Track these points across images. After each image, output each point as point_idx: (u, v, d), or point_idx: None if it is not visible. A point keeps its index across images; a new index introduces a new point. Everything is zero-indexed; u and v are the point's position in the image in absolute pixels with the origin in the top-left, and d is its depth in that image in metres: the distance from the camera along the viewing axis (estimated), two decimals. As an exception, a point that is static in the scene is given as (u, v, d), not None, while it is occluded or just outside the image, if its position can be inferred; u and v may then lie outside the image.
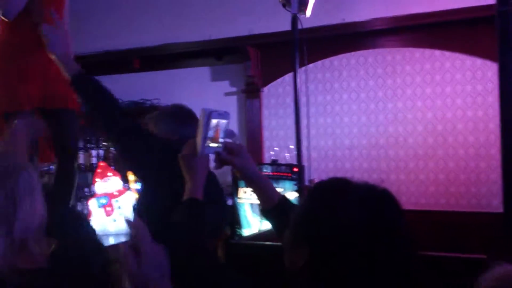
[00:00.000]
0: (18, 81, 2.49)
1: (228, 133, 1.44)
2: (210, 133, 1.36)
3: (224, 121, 1.39)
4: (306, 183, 3.57)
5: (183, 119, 1.95)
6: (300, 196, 3.22)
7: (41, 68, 2.51)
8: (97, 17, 4.78)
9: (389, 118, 4.00)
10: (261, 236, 3.40)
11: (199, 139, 1.38)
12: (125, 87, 4.65)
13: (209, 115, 1.35)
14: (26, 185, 1.36)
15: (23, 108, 2.43)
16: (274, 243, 2.85)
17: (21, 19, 2.48)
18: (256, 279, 1.44)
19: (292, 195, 3.46)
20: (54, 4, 2.55)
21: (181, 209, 1.43)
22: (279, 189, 3.30)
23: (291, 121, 4.20)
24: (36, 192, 1.40)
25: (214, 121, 1.36)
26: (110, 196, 3.29)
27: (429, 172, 3.89)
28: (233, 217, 3.75)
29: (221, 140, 1.40)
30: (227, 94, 4.59)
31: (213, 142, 1.39)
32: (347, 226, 0.93)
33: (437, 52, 3.85)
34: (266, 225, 3.55)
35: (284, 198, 1.44)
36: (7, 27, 2.52)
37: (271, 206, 1.41)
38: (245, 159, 1.44)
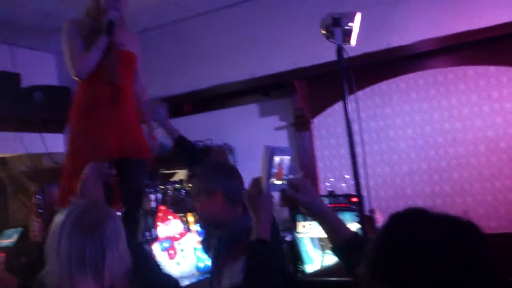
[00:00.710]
0: (98, 134, 2.63)
1: (292, 170, 1.43)
2: (274, 171, 1.36)
3: (287, 157, 1.38)
4: (367, 213, 3.48)
5: (230, 173, 2.02)
6: (362, 227, 3.13)
7: (119, 121, 2.66)
8: (147, 66, 4.96)
9: (448, 140, 3.87)
10: (325, 271, 3.32)
11: (263, 177, 1.38)
12: (181, 130, 4.77)
13: (272, 152, 1.35)
14: (113, 233, 1.41)
15: (103, 158, 2.54)
16: (340, 279, 2.77)
17: (97, 76, 2.65)
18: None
19: (353, 226, 3.38)
20: (127, 63, 2.72)
21: (249, 251, 1.42)
22: (339, 222, 3.23)
23: (344, 150, 4.16)
24: (122, 239, 1.45)
25: (277, 158, 1.35)
26: (172, 239, 3.33)
27: (497, 192, 3.70)
28: (293, 253, 3.70)
29: (285, 177, 1.39)
30: (277, 128, 4.59)
31: (277, 179, 1.38)
32: (429, 260, 0.87)
33: (491, 68, 3.72)
34: (329, 260, 3.47)
35: (356, 234, 1.39)
36: (84, 83, 2.68)
37: (342, 241, 1.36)
38: (311, 194, 1.42)
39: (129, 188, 2.74)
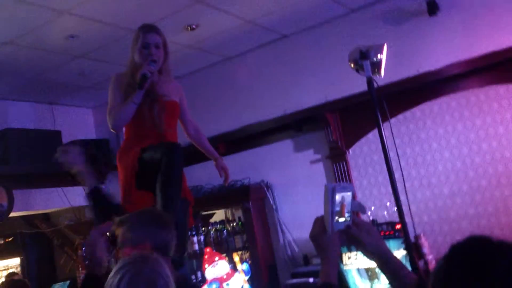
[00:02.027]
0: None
1: (355, 206, 1.41)
2: (337, 209, 1.34)
3: (348, 193, 1.36)
4: (412, 239, 3.45)
5: (160, 224, 1.96)
6: (408, 254, 3.10)
7: None
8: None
9: (487, 159, 3.84)
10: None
11: (326, 216, 1.35)
12: (216, 172, 4.86)
13: (333, 190, 1.33)
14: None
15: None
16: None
17: (142, 126, 2.73)
18: None
19: (399, 254, 3.35)
20: (171, 112, 2.80)
21: None
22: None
23: (382, 178, 4.16)
24: None
25: (338, 196, 1.34)
26: (220, 280, 3.36)
27: (543, 207, 3.63)
28: (341, 286, 3.67)
29: (347, 214, 1.37)
30: (312, 162, 4.63)
31: (340, 216, 1.36)
32: None
33: (523, 85, 3.72)
34: (378, 289, 3.43)
35: (421, 279, 1.33)
36: (130, 133, 2.77)
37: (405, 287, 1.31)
38: (375, 237, 1.38)
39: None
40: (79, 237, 5.57)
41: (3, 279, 5.59)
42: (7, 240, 5.78)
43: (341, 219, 1.36)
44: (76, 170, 2.56)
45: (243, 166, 4.83)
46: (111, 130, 2.76)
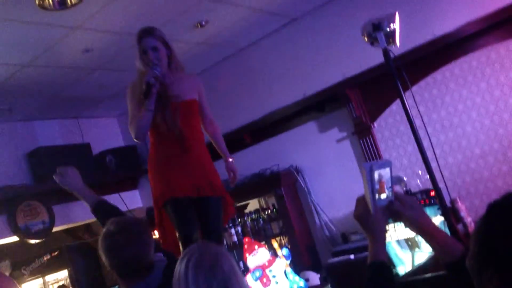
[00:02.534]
0: (171, 176, 2.76)
1: (395, 180, 1.43)
2: (376, 186, 1.34)
3: (386, 169, 1.36)
4: (448, 204, 3.43)
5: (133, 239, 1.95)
6: (446, 219, 3.09)
7: (190, 164, 2.77)
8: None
9: (515, 114, 3.78)
10: (419, 269, 3.28)
11: (367, 196, 1.35)
12: (245, 162, 4.91)
13: (371, 168, 1.33)
14: (230, 268, 1.56)
15: (177, 195, 2.72)
16: (436, 274, 2.74)
17: (161, 131, 2.77)
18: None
19: (436, 221, 3.34)
20: (186, 112, 2.81)
21: (368, 275, 1.36)
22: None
23: (411, 147, 4.14)
24: (238, 269, 1.59)
25: (376, 173, 1.34)
26: (262, 267, 3.41)
27: None
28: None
29: (388, 189, 1.37)
30: (339, 140, 4.63)
31: (381, 193, 1.36)
32: None
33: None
34: (420, 257, 3.43)
35: (467, 250, 1.34)
36: (153, 140, 2.83)
37: (453, 259, 1.29)
38: (418, 211, 1.37)
39: (208, 226, 2.81)
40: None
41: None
42: (53, 255, 5.95)
43: (383, 196, 1.36)
44: (72, 190, 2.63)
45: (271, 154, 4.87)
46: (135, 140, 2.80)
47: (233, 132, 4.97)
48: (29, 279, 5.87)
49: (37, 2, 3.02)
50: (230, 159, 3.01)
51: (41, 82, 4.32)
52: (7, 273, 1.67)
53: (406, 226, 1.40)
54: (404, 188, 4.04)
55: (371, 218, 1.37)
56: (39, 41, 3.61)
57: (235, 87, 5.02)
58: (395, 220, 1.41)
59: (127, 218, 2.16)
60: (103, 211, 2.53)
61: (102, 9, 3.38)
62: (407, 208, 1.36)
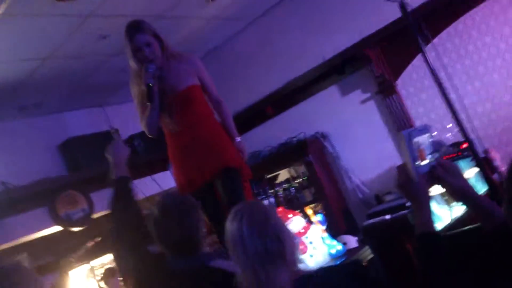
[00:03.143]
0: (182, 174, 2.81)
1: (435, 145, 1.39)
2: (416, 154, 1.32)
3: (426, 135, 1.35)
4: (481, 155, 3.37)
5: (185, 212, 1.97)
6: (480, 170, 3.04)
7: (195, 151, 2.79)
8: (223, 83, 5.18)
9: (542, 56, 3.66)
10: (457, 223, 3.26)
11: (408, 164, 1.33)
12: (270, 133, 4.92)
13: (409, 136, 1.31)
14: (278, 220, 1.63)
15: (191, 190, 2.74)
16: (475, 225, 2.72)
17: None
18: (471, 266, 1.37)
19: (471, 173, 3.29)
20: (184, 102, 2.76)
21: (417, 246, 1.34)
22: (456, 171, 3.16)
23: (438, 101, 4.06)
24: (283, 221, 1.66)
25: (415, 140, 1.32)
26: (298, 235, 3.43)
27: None
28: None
29: (429, 155, 1.35)
30: (363, 101, 4.58)
31: (422, 160, 1.33)
32: None
33: None
34: (457, 211, 3.40)
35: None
36: (165, 132, 2.84)
37: (494, 226, 1.27)
38: (459, 177, 1.35)
39: (229, 203, 2.83)
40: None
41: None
42: (96, 240, 6.14)
43: (424, 162, 1.33)
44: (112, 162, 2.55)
45: (295, 122, 4.86)
46: (148, 135, 2.83)
47: (255, 104, 4.97)
48: (77, 265, 6.10)
49: (50, -6, 3.05)
50: (238, 139, 2.97)
51: (63, 73, 4.38)
52: (26, 264, 1.72)
53: (448, 192, 1.39)
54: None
55: (414, 186, 1.34)
56: (56, 33, 3.65)
57: (252, 59, 4.99)
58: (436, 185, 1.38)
59: (172, 199, 2.12)
60: (125, 187, 2.48)
61: (114, -6, 3.39)
62: (449, 174, 1.34)
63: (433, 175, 1.34)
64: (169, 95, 2.70)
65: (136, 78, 2.73)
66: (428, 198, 1.37)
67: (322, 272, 1.73)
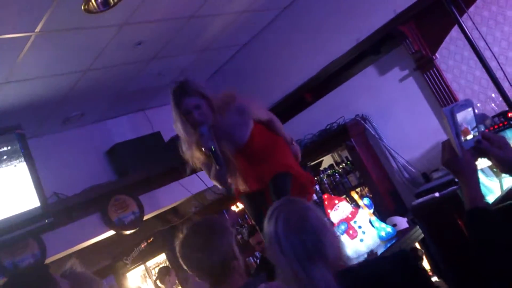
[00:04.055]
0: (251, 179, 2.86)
1: (479, 118, 1.38)
2: (460, 128, 1.31)
3: (468, 109, 1.32)
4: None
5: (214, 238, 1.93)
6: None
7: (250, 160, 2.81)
8: (259, 75, 5.21)
9: None
10: (508, 195, 3.17)
11: (452, 140, 1.32)
12: (310, 120, 4.90)
13: (452, 111, 1.30)
14: (318, 219, 1.59)
15: (253, 189, 2.84)
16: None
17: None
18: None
19: (520, 142, 3.18)
20: (246, 159, 2.80)
21: (467, 222, 1.32)
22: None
23: (479, 71, 3.94)
24: (326, 221, 1.63)
25: (458, 115, 1.30)
26: (346, 220, 3.43)
27: None
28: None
29: (473, 130, 1.33)
30: (401, 80, 4.48)
31: (467, 135, 1.32)
32: None
33: None
34: (508, 183, 3.30)
35: None
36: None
37: None
38: (507, 149, 1.32)
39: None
40: (208, 220, 5.92)
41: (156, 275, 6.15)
42: (149, 241, 6.32)
43: (469, 137, 1.32)
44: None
45: (334, 107, 4.81)
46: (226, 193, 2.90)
47: (293, 93, 4.96)
48: (132, 267, 6.31)
49: (82, 7, 3.14)
50: (293, 145, 3.06)
51: (103, 83, 4.51)
52: (78, 270, 1.77)
53: (495, 165, 1.36)
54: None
55: (460, 162, 1.32)
56: (92, 44, 3.76)
57: (286, 48, 4.98)
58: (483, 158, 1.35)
59: (205, 219, 2.17)
60: None
61: (143, 1, 3.45)
62: (495, 147, 1.31)
63: (478, 149, 1.32)
64: (233, 154, 2.71)
65: (189, 143, 2.71)
66: (476, 173, 1.35)
67: (366, 264, 1.72)
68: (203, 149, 2.60)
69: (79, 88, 4.31)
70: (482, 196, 1.32)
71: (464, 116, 1.31)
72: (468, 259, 1.34)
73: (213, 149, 2.55)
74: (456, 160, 1.33)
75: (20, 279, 1.41)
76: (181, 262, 2.00)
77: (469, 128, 1.32)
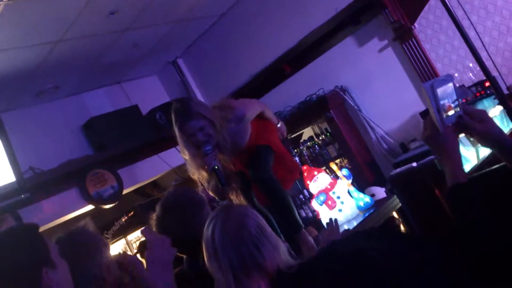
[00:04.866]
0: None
1: (459, 93, 1.35)
2: (441, 103, 1.29)
3: (449, 85, 1.31)
4: (505, 91, 3.27)
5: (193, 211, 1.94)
6: (505, 108, 2.96)
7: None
8: (238, 46, 5.13)
9: None
10: (483, 164, 3.20)
11: (433, 115, 1.30)
12: (289, 92, 4.87)
13: (432, 87, 1.28)
14: (256, 228, 1.50)
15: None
16: (502, 164, 2.66)
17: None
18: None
19: (496, 111, 3.20)
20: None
21: (449, 200, 1.30)
22: (480, 111, 3.08)
23: (457, 41, 3.94)
24: (267, 228, 1.54)
25: (439, 90, 1.29)
26: (325, 191, 3.44)
27: None
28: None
29: (454, 105, 1.31)
30: (380, 50, 4.46)
31: (448, 110, 1.30)
32: None
33: None
34: (484, 152, 3.33)
35: None
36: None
37: None
38: (488, 123, 1.31)
39: (254, 172, 2.83)
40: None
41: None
42: (129, 215, 6.29)
43: (450, 112, 1.30)
44: None
45: (314, 79, 4.78)
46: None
47: (272, 64, 4.91)
48: (113, 241, 6.29)
49: (51, -25, 3.02)
50: (278, 125, 3.01)
51: (77, 54, 4.40)
52: (91, 228, 1.74)
53: (478, 141, 1.35)
54: (457, 85, 3.88)
55: (441, 138, 1.31)
56: (64, 14, 3.64)
57: (263, 18, 4.90)
58: (464, 134, 1.35)
59: (178, 197, 2.11)
60: None
61: (115, -32, 3.34)
62: (477, 121, 1.30)
63: (460, 125, 1.31)
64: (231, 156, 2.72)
65: (196, 164, 2.68)
66: (458, 149, 1.33)
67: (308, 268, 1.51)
68: (206, 167, 2.62)
69: (51, 60, 4.20)
70: (463, 173, 1.31)
71: (444, 90, 1.30)
72: (443, 229, 1.34)
73: (216, 168, 2.58)
74: (437, 136, 1.31)
75: (7, 239, 1.32)
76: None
77: (450, 103, 1.30)
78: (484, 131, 1.29)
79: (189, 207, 2.01)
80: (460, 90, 3.49)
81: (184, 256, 2.05)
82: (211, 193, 2.80)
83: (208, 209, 2.04)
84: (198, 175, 2.75)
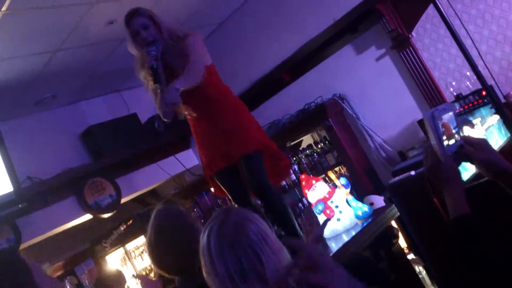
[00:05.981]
0: (202, 158, 2.86)
1: (459, 122, 1.34)
2: (442, 132, 1.28)
3: (449, 113, 1.30)
4: (502, 100, 3.28)
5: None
6: (501, 117, 2.96)
7: (208, 138, 2.82)
8: (236, 55, 5.14)
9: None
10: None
11: (434, 144, 1.29)
12: (288, 101, 4.88)
13: (432, 116, 1.28)
14: (258, 234, 1.36)
15: (213, 171, 2.86)
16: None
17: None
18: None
19: (494, 120, 3.21)
20: (192, 94, 2.74)
21: (452, 231, 1.27)
22: (476, 120, 3.08)
23: (455, 49, 3.95)
24: (269, 235, 1.39)
25: (439, 120, 1.29)
26: (323, 200, 3.43)
27: None
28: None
29: (455, 134, 1.31)
30: (378, 58, 4.47)
31: (449, 139, 1.30)
32: None
33: None
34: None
35: None
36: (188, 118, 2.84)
37: None
38: (490, 152, 1.30)
39: (251, 184, 2.85)
40: (186, 201, 5.90)
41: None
42: (128, 224, 6.27)
43: (451, 141, 1.30)
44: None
45: (312, 87, 4.79)
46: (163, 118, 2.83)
47: (270, 73, 4.92)
48: (111, 250, 6.26)
49: (50, -15, 3.04)
50: (176, 86, 2.64)
51: (76, 63, 4.41)
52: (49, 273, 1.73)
53: (479, 169, 1.33)
54: (455, 93, 3.88)
55: (443, 167, 1.29)
56: (63, 23, 3.66)
57: (262, 28, 4.92)
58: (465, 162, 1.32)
59: (166, 223, 2.02)
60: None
61: (114, -22, 3.36)
62: (477, 150, 1.29)
63: (462, 154, 1.31)
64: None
65: (141, 64, 2.77)
66: (459, 178, 1.32)
67: None
68: (149, 71, 2.66)
69: (50, 69, 4.21)
70: (466, 203, 1.28)
71: (446, 120, 1.30)
72: (441, 238, 1.32)
73: (154, 66, 2.60)
74: (439, 165, 1.30)
75: None
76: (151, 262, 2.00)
77: (452, 132, 1.29)
78: (486, 160, 1.28)
79: (182, 229, 1.97)
80: (461, 119, 3.49)
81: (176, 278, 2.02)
82: (157, 109, 2.78)
83: (198, 225, 2.01)
84: (143, 76, 2.79)
